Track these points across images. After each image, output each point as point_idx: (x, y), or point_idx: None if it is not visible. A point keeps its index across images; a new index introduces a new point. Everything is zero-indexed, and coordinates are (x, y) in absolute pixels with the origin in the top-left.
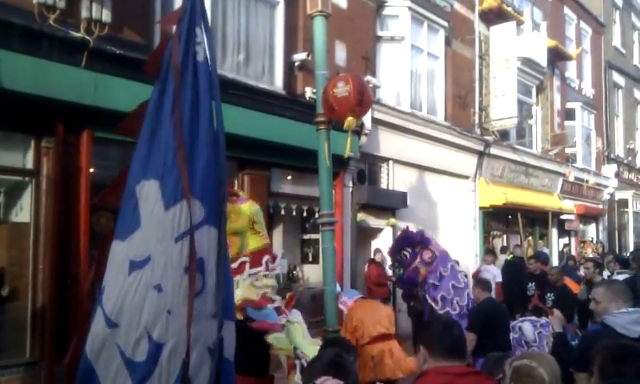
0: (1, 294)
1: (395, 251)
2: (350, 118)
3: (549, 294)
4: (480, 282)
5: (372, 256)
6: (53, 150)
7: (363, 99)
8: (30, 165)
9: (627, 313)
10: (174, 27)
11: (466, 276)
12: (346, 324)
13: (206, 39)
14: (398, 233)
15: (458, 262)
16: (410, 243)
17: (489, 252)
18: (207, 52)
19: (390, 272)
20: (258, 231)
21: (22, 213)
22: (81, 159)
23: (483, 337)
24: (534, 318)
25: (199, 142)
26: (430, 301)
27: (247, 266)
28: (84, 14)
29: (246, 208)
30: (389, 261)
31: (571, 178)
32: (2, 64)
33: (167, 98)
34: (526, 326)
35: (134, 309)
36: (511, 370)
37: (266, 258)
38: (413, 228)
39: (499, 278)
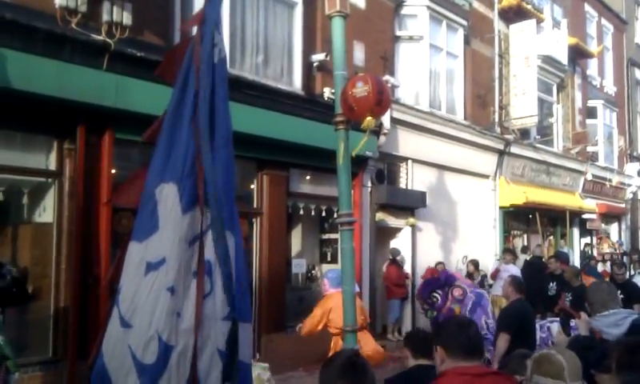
0: (26, 293)
1: (424, 295)
2: (368, 118)
3: (567, 294)
4: (514, 281)
5: (390, 257)
6: (75, 151)
7: (382, 99)
8: (52, 166)
9: (606, 315)
10: (194, 29)
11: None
12: (319, 307)
13: (221, 40)
14: (419, 234)
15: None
16: (437, 286)
17: (508, 251)
18: (222, 53)
19: (407, 271)
20: None
21: (45, 213)
22: (102, 160)
23: (513, 337)
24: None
25: (215, 145)
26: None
27: None
28: (105, 17)
29: None
30: (407, 261)
31: (589, 176)
32: (27, 67)
33: (188, 100)
34: (554, 327)
35: (147, 310)
36: (532, 362)
37: None
38: (432, 228)
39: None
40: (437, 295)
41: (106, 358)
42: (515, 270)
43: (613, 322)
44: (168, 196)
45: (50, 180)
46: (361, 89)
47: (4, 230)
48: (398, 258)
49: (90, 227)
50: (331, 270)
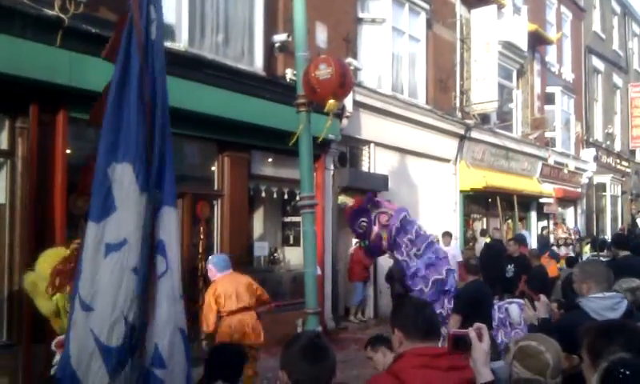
0: None
1: (354, 225)
2: (331, 101)
3: (509, 266)
4: (466, 264)
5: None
6: (28, 130)
7: (345, 82)
8: (4, 146)
9: (602, 298)
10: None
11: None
12: (209, 291)
13: (157, 17)
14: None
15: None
16: (363, 212)
17: (446, 234)
18: (159, 30)
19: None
20: None
21: None
22: (56, 140)
23: (466, 319)
24: (520, 300)
25: (158, 125)
26: (401, 258)
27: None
28: None
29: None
30: None
31: (551, 161)
32: None
33: (132, 77)
34: (512, 308)
35: (110, 292)
36: (516, 349)
37: None
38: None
39: (459, 258)
40: (364, 222)
41: (70, 344)
42: (455, 251)
43: (610, 306)
44: (123, 176)
45: (1, 159)
46: (324, 71)
47: None
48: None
49: (44, 209)
50: (215, 256)
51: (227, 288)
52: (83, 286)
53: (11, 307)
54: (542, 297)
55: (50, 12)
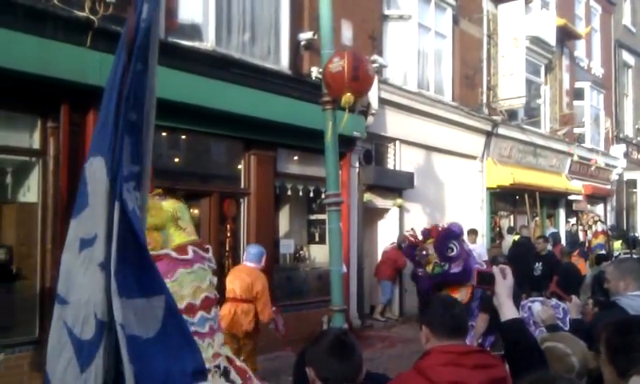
0: (11, 272)
1: (442, 249)
2: (347, 95)
3: (537, 264)
4: (494, 261)
5: (397, 243)
6: (59, 130)
7: (358, 74)
8: (36, 145)
9: None
10: None
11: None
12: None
13: (148, 10)
14: (406, 214)
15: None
16: (454, 237)
17: (471, 231)
18: (144, 23)
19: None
20: (183, 227)
21: (30, 193)
22: (87, 139)
23: (493, 318)
24: (544, 298)
25: (141, 116)
26: None
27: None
28: None
29: (167, 205)
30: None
31: (575, 157)
32: (8, 44)
33: (117, 75)
34: (536, 307)
35: (84, 287)
36: (543, 349)
37: (191, 247)
38: (420, 209)
39: (485, 257)
40: (453, 246)
41: (49, 337)
42: (481, 249)
43: None
44: (96, 170)
45: (33, 159)
46: (336, 64)
47: None
48: (404, 245)
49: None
50: (253, 245)
51: (233, 276)
52: (61, 280)
53: (42, 304)
54: (574, 298)
55: (81, 14)
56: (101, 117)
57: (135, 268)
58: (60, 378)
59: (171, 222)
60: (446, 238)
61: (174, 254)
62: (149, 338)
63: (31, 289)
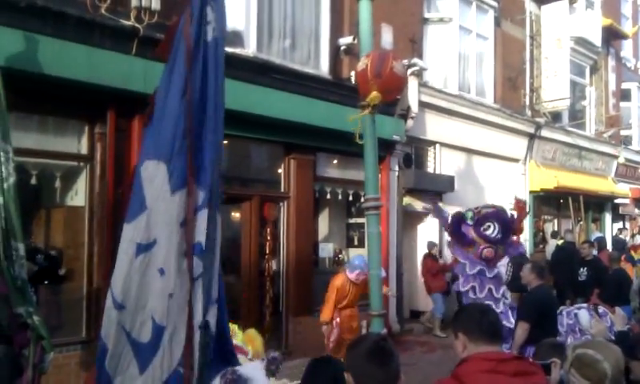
0: (59, 274)
1: (485, 216)
2: (373, 93)
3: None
4: (534, 267)
5: (427, 250)
6: (105, 136)
7: (381, 72)
8: (84, 150)
9: None
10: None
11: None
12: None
13: (215, 18)
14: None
15: None
16: (501, 220)
17: None
18: (217, 32)
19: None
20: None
21: (77, 197)
22: (132, 145)
23: (534, 326)
24: (589, 306)
25: (207, 125)
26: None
27: None
28: (134, 2)
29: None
30: (447, 255)
31: (621, 160)
32: (58, 53)
33: (176, 78)
34: (582, 314)
35: (141, 291)
36: (574, 356)
37: None
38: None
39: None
40: (492, 225)
41: (105, 340)
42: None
43: None
44: (155, 175)
45: (81, 164)
46: (362, 63)
47: (38, 213)
48: (433, 250)
49: (120, 211)
50: (357, 256)
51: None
52: (116, 284)
53: (89, 305)
54: (617, 309)
55: (127, 22)
56: (155, 122)
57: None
58: (121, 380)
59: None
60: (498, 219)
61: None
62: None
63: (78, 290)
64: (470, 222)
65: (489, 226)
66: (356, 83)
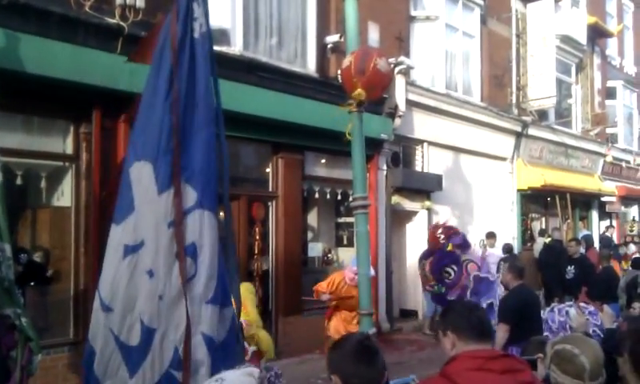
0: (46, 275)
1: (435, 272)
2: (358, 90)
3: (569, 267)
4: (512, 268)
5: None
6: (91, 135)
7: (364, 68)
8: (69, 150)
9: None
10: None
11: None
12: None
13: (203, 14)
14: (437, 220)
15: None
16: (453, 261)
17: (490, 235)
18: (204, 27)
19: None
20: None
21: (64, 197)
22: (118, 144)
23: (514, 326)
24: (582, 304)
25: (196, 123)
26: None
27: None
28: (118, 0)
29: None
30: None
31: (609, 158)
32: (42, 51)
33: (162, 77)
34: (573, 312)
35: (129, 294)
36: (552, 352)
37: None
38: (449, 211)
39: (493, 267)
40: (451, 270)
41: (92, 343)
42: (494, 258)
43: None
44: (142, 175)
45: (67, 164)
46: (346, 60)
47: (23, 213)
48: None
49: (107, 210)
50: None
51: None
52: (103, 286)
53: (77, 306)
54: (606, 307)
55: (111, 20)
56: (141, 121)
57: (219, 276)
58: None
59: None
60: (443, 260)
61: None
62: (217, 346)
63: (65, 291)
64: (443, 290)
65: (448, 273)
66: (341, 81)
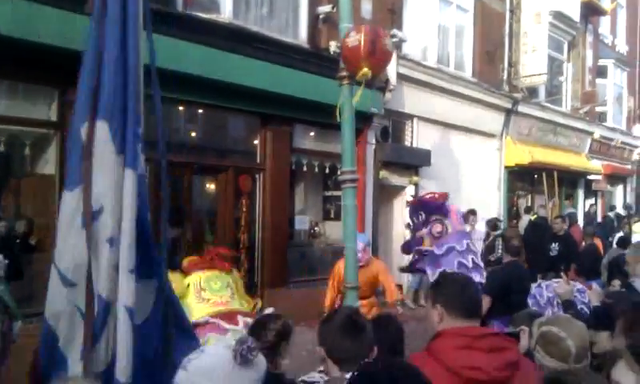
0: (29, 244)
1: (411, 211)
2: (364, 69)
3: (553, 244)
4: (506, 244)
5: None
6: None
7: (375, 49)
8: (54, 117)
9: None
10: None
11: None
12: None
13: None
14: (421, 192)
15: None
16: (427, 209)
17: (469, 212)
18: None
19: None
20: (206, 298)
21: (48, 165)
22: None
23: (498, 300)
24: (571, 281)
25: (129, 81)
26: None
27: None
28: None
29: (190, 277)
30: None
31: (596, 136)
32: (28, 16)
33: (107, 31)
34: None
35: (92, 266)
36: (538, 333)
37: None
38: (436, 186)
39: (477, 246)
40: (419, 216)
41: (51, 322)
42: (478, 234)
43: None
44: (99, 135)
45: (51, 131)
46: (353, 38)
47: (7, 181)
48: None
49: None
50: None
51: None
52: (61, 259)
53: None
54: (594, 285)
55: None
56: (86, 81)
57: (139, 246)
58: (76, 358)
59: (192, 295)
60: (420, 206)
61: None
62: (138, 324)
63: (49, 260)
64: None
65: (412, 221)
66: (341, 56)
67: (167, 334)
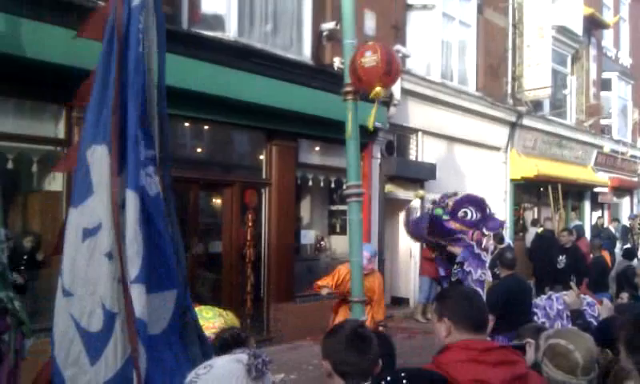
0: (36, 259)
1: (457, 203)
2: (377, 88)
3: (561, 257)
4: (502, 260)
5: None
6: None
7: (391, 69)
8: (61, 135)
9: None
10: None
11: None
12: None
13: None
14: (427, 205)
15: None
16: (478, 205)
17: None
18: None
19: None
20: None
21: (55, 182)
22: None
23: (501, 316)
24: (581, 295)
25: (130, 101)
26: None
27: None
28: None
29: None
30: None
31: (606, 149)
32: (36, 35)
33: (113, 59)
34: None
35: (89, 278)
36: (546, 346)
37: None
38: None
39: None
40: (468, 211)
41: (54, 328)
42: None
43: None
44: (101, 158)
45: (59, 148)
46: (369, 58)
47: (15, 197)
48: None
49: None
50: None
51: None
52: (64, 271)
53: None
54: (605, 300)
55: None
56: (94, 104)
57: (153, 259)
58: (73, 372)
59: None
60: (470, 202)
61: None
62: (155, 334)
63: (56, 276)
64: (445, 217)
65: (465, 213)
66: (349, 72)
67: (187, 342)
